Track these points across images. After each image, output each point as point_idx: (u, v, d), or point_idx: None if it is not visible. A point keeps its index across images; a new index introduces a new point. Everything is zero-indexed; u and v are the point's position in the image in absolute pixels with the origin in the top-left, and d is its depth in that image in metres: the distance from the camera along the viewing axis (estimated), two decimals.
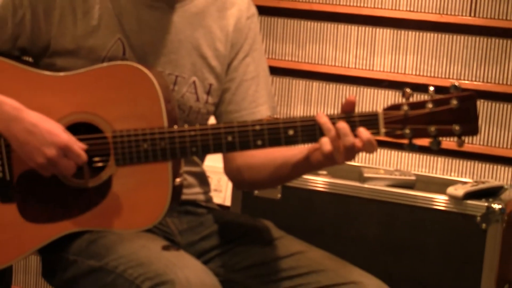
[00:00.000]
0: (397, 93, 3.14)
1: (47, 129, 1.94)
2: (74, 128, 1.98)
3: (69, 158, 1.95)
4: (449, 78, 3.07)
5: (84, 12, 2.07)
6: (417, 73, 3.11)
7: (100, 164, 2.01)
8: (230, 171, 2.22)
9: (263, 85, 2.21)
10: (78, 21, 2.07)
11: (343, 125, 1.84)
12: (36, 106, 1.99)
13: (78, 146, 1.95)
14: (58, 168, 1.95)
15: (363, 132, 1.84)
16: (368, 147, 1.85)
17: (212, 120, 2.22)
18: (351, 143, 1.82)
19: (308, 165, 1.97)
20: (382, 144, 3.16)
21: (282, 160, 2.05)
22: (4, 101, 1.97)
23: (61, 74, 2.04)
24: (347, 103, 1.87)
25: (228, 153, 2.15)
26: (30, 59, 2.15)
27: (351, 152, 1.84)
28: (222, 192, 3.16)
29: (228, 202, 3.08)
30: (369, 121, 1.87)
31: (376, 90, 3.17)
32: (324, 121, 1.85)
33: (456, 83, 1.85)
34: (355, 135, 1.84)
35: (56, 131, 1.94)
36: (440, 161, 3.13)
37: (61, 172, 1.97)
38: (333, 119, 1.87)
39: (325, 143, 1.85)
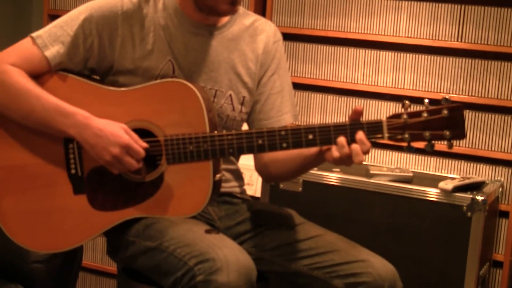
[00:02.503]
0: (397, 105, 3.13)
1: (111, 132, 1.95)
2: None
3: (131, 155, 1.95)
4: (440, 92, 3.05)
5: (141, 39, 2.08)
6: (414, 88, 3.09)
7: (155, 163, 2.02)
8: (259, 167, 2.21)
9: (287, 97, 2.20)
10: (136, 46, 2.07)
11: (355, 146, 1.85)
12: (103, 114, 2.00)
13: (137, 144, 1.96)
14: (123, 164, 1.96)
15: (359, 134, 1.86)
16: (362, 147, 1.85)
17: (245, 126, 2.22)
18: (360, 160, 1.85)
19: (321, 159, 1.97)
20: (386, 146, 3.15)
21: (301, 156, 2.04)
22: (76, 112, 1.98)
23: (123, 89, 2.04)
24: (355, 112, 1.87)
25: (259, 153, 2.14)
26: (98, 77, 2.16)
27: (357, 162, 1.86)
28: (253, 185, 3.15)
29: (258, 194, 3.07)
30: (375, 127, 1.87)
31: (380, 102, 3.15)
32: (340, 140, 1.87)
33: (447, 96, 1.84)
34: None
35: (119, 133, 1.95)
36: (433, 160, 3.11)
37: (125, 167, 1.97)
38: (345, 126, 1.88)
39: (334, 151, 1.87)
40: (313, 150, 1.97)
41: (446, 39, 3.03)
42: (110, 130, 1.96)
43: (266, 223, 2.16)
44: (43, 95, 2.00)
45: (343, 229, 2.26)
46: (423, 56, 3.08)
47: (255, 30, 2.19)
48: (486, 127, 3.02)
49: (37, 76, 2.05)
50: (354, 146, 1.85)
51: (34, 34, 2.06)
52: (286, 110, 2.19)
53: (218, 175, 2.00)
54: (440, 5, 3.02)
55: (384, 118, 1.87)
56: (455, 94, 3.03)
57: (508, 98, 2.97)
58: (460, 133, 1.84)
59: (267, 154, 2.14)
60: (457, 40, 3.02)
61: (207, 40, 2.12)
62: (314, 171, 2.78)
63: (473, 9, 2.98)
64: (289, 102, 2.20)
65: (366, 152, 1.86)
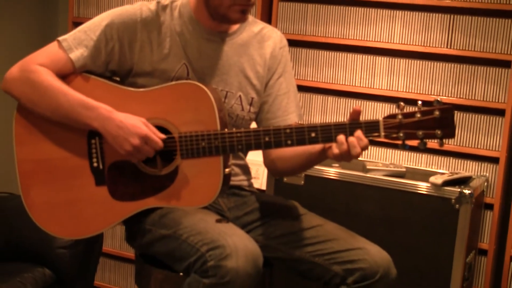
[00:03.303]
0: (391, 106, 3.12)
1: (131, 124, 1.95)
2: None
3: (149, 145, 1.95)
4: (431, 94, 3.04)
5: (158, 43, 2.07)
6: (407, 90, 3.08)
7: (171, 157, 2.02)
8: (267, 163, 2.21)
9: (292, 98, 2.20)
10: (153, 51, 2.07)
11: (352, 139, 1.85)
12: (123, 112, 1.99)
13: (155, 136, 1.96)
14: (142, 153, 1.96)
15: (358, 132, 1.86)
16: (359, 142, 1.85)
17: (253, 125, 2.21)
18: (357, 152, 1.85)
19: (324, 157, 1.97)
20: (381, 143, 3.14)
21: (305, 153, 2.04)
22: (99, 106, 1.99)
23: (141, 90, 2.04)
24: (354, 112, 1.87)
25: (266, 150, 2.14)
26: (118, 79, 2.16)
27: (355, 155, 1.86)
28: (259, 179, 3.14)
29: (264, 187, 3.06)
30: (372, 126, 1.86)
31: (375, 103, 3.14)
32: (340, 137, 1.87)
33: (439, 98, 1.84)
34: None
35: (138, 124, 1.95)
36: (424, 157, 3.10)
37: (144, 156, 1.97)
38: (345, 125, 1.87)
39: (335, 148, 1.88)
40: (317, 148, 1.97)
41: (437, 45, 3.02)
42: (131, 122, 1.96)
43: (272, 214, 2.16)
44: (68, 92, 2.00)
45: (341, 219, 2.26)
46: (415, 61, 3.07)
47: (263, 36, 2.19)
48: (473, 127, 3.01)
49: (63, 77, 2.05)
50: (351, 139, 1.85)
51: (60, 38, 2.06)
52: (291, 110, 2.18)
53: (227, 169, 2.00)
54: (431, 14, 3.01)
55: (380, 118, 1.87)
56: (445, 96, 3.02)
57: (493, 100, 2.96)
58: (450, 132, 1.84)
59: (274, 151, 2.14)
60: (447, 47, 3.01)
61: (219, 46, 2.12)
62: (315, 166, 2.78)
63: (461, 19, 2.97)
64: (294, 103, 2.20)
65: (363, 148, 1.85)
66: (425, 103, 1.86)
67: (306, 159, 2.05)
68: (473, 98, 2.99)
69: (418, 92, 3.07)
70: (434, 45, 3.03)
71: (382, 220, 2.84)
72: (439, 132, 1.83)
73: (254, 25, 2.19)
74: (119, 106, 2.00)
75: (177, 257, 1.94)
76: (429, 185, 2.78)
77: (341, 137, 1.86)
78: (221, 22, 2.07)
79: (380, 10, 3.09)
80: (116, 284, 3.68)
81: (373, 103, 3.14)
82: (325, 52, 3.20)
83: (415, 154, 3.11)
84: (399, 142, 1.88)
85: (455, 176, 2.85)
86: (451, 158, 3.06)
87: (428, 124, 1.84)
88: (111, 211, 2.06)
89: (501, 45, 2.92)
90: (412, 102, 1.92)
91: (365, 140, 1.85)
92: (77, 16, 3.60)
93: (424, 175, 2.90)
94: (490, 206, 3.01)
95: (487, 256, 3.02)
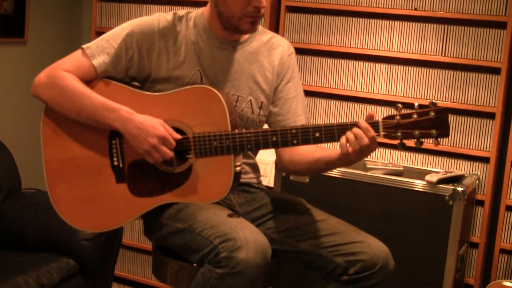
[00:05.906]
0: (390, 109, 3.10)
1: (150, 125, 1.95)
2: None
3: (166, 145, 1.95)
4: (427, 99, 3.03)
5: (174, 51, 2.07)
6: (404, 95, 3.07)
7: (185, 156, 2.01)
8: (280, 164, 2.20)
9: (300, 102, 2.19)
10: (170, 58, 2.07)
11: (358, 131, 1.84)
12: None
13: (171, 137, 1.95)
14: (159, 152, 1.95)
15: (363, 123, 1.85)
16: (367, 133, 1.83)
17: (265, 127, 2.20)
18: (368, 141, 1.83)
19: (336, 162, 1.95)
20: (380, 144, 3.12)
21: (317, 158, 2.03)
22: (120, 108, 1.99)
23: (158, 94, 2.04)
24: (368, 117, 1.86)
25: (275, 149, 2.12)
26: (137, 84, 2.15)
27: (364, 145, 1.83)
28: (267, 177, 3.13)
29: (271, 184, 3.06)
30: (372, 127, 1.85)
31: (375, 107, 3.13)
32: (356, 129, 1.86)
33: (434, 101, 1.83)
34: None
35: (156, 126, 1.95)
36: (420, 157, 3.09)
37: (161, 155, 1.96)
38: (346, 125, 1.86)
39: (348, 147, 1.86)
40: (324, 157, 1.99)
41: (432, 54, 3.01)
42: (149, 123, 1.96)
43: (279, 209, 2.15)
44: (92, 95, 2.00)
45: (343, 214, 2.25)
46: (412, 68, 3.05)
47: (272, 45, 2.18)
48: (465, 129, 3.00)
49: (87, 82, 2.05)
50: (356, 131, 1.83)
51: (84, 46, 2.06)
52: (300, 113, 2.17)
53: (238, 168, 1.99)
54: (426, 25, 3.00)
55: (380, 119, 1.86)
56: (439, 100, 3.01)
57: (484, 104, 2.94)
58: (445, 132, 1.83)
59: (287, 153, 2.13)
60: (441, 55, 3.00)
61: (230, 54, 2.11)
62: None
63: (455, 29, 2.96)
64: (302, 106, 2.19)
65: (371, 139, 1.83)
66: (421, 106, 1.85)
67: (315, 163, 2.04)
68: (465, 102, 2.98)
69: (415, 96, 3.05)
70: (429, 53, 3.02)
71: (381, 215, 2.83)
72: (434, 131, 1.82)
73: (264, 35, 2.19)
74: (138, 109, 2.00)
75: (192, 249, 1.93)
76: (424, 183, 2.78)
77: (357, 130, 1.84)
78: (233, 32, 2.07)
79: (380, 21, 3.08)
80: (134, 273, 3.68)
81: (372, 106, 3.13)
82: (329, 59, 3.19)
83: (412, 154, 3.10)
84: (397, 141, 1.87)
85: (449, 174, 2.84)
86: (445, 158, 3.05)
87: (424, 124, 1.83)
88: (131, 207, 2.05)
89: (491, 53, 2.91)
90: (410, 106, 1.90)
91: (371, 131, 1.83)
92: (100, 26, 3.60)
93: (420, 174, 2.90)
94: (481, 203, 3.00)
95: (478, 249, 3.00)
